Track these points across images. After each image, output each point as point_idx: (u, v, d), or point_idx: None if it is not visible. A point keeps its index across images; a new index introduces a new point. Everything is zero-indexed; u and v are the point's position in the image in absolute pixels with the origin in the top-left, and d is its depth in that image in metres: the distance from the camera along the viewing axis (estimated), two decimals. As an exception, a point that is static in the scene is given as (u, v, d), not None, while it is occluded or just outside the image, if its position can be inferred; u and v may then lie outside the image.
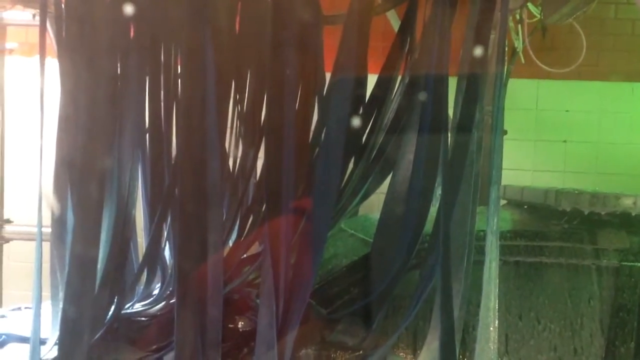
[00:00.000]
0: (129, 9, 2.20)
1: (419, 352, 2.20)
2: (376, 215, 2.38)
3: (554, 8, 3.24)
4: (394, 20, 3.58)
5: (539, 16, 3.55)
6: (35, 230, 2.09)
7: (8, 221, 4.15)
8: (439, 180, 2.28)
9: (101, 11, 2.24)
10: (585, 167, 4.38)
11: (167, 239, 2.48)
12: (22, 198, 4.12)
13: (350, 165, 2.50)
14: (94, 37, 2.18)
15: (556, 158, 4.42)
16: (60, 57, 2.26)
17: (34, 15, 3.47)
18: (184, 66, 2.19)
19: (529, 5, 3.39)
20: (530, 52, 3.73)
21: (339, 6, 2.82)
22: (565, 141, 4.41)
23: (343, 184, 2.44)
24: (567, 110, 4.42)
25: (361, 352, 2.16)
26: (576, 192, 2.38)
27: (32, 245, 2.13)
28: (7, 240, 4.18)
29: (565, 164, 4.41)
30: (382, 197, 2.40)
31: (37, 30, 3.73)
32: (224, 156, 2.43)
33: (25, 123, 4.17)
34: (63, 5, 2.25)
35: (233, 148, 2.61)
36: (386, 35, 3.07)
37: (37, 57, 3.48)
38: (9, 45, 3.97)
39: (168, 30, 2.29)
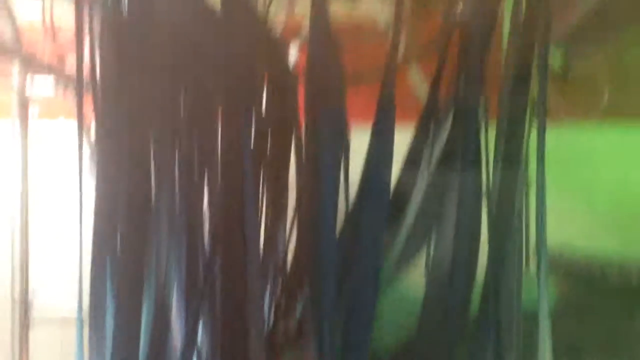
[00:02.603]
0: (159, 93, 2.20)
1: None
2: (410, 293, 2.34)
3: (581, 55, 3.24)
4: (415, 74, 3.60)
5: (561, 63, 3.55)
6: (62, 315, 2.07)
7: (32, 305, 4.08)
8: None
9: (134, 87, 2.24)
10: (611, 214, 4.31)
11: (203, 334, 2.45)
12: (47, 279, 4.09)
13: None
14: (131, 125, 2.18)
15: (582, 206, 4.35)
16: (95, 145, 2.25)
17: (56, 87, 3.50)
18: (221, 150, 2.19)
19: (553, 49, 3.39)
20: (554, 98, 3.71)
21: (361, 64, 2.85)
22: (590, 188, 4.35)
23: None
24: (591, 156, 4.36)
25: None
26: (622, 263, 2.33)
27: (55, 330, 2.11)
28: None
29: (592, 212, 4.35)
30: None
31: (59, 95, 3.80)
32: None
33: (49, 192, 4.16)
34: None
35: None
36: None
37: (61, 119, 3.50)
38: (32, 109, 3.98)
39: (204, 117, 2.28)
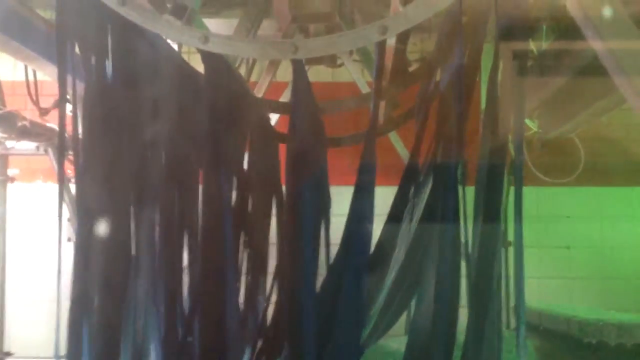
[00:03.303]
0: (140, 152, 2.21)
1: None
2: (392, 344, 2.34)
3: (552, 125, 3.33)
4: (394, 139, 3.67)
5: (535, 129, 3.64)
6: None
7: (8, 354, 4.02)
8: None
9: (117, 145, 2.24)
10: (590, 273, 4.36)
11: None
12: (23, 329, 4.03)
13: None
14: (109, 175, 2.17)
15: (561, 264, 4.41)
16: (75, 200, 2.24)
17: (37, 147, 3.50)
18: (201, 211, 2.19)
19: (527, 120, 3.47)
20: (529, 163, 3.79)
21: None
22: (568, 247, 4.42)
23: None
24: (568, 217, 4.44)
25: None
26: (601, 323, 2.35)
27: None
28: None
29: (570, 270, 4.40)
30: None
31: (39, 158, 3.80)
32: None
33: (26, 250, 4.13)
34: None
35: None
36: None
37: (39, 182, 3.46)
38: (10, 172, 3.97)
39: (185, 178, 2.30)
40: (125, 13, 1.71)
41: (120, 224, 2.20)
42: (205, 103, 2.20)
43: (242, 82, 2.43)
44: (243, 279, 2.63)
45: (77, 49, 2.08)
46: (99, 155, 2.18)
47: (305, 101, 2.25)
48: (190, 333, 2.17)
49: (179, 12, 1.78)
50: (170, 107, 2.27)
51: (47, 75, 2.46)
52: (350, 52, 3.35)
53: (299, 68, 2.09)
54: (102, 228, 2.21)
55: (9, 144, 3.58)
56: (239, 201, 2.41)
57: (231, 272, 2.22)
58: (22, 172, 4.17)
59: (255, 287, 2.64)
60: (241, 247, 2.53)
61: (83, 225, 2.20)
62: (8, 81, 3.89)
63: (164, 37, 1.87)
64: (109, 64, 2.08)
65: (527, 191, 4.32)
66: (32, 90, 3.41)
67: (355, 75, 3.63)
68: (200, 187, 2.29)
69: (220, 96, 2.19)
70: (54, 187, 4.05)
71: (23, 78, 3.44)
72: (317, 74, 2.59)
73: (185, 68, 2.35)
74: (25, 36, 2.22)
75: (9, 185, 3.95)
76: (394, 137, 3.58)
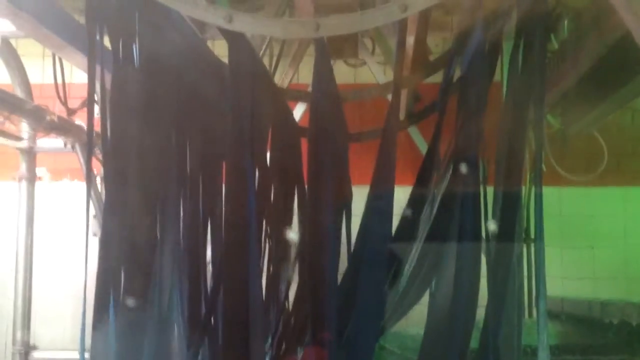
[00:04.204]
0: (170, 138, 2.25)
1: None
2: (412, 330, 2.34)
3: (574, 119, 3.32)
4: (414, 134, 3.68)
5: (559, 126, 3.63)
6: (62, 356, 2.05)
7: (34, 347, 4.09)
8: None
9: (143, 139, 2.29)
10: (614, 273, 4.32)
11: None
12: (49, 323, 4.09)
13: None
14: (136, 165, 2.22)
15: (585, 265, 4.37)
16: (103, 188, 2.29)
17: (65, 144, 3.57)
18: (225, 199, 2.22)
19: (549, 116, 3.48)
20: (552, 161, 3.78)
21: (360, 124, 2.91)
22: (592, 247, 4.38)
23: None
24: (591, 216, 4.41)
25: None
26: (622, 302, 2.34)
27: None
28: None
29: (594, 270, 4.36)
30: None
31: (65, 156, 3.87)
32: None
33: (53, 248, 4.20)
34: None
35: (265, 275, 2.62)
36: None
37: (65, 181, 3.54)
38: (38, 171, 4.05)
39: (209, 159, 2.34)
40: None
41: (146, 209, 2.24)
42: (229, 89, 2.23)
43: (265, 69, 2.46)
44: (265, 268, 2.65)
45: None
46: (123, 141, 2.22)
47: (326, 86, 2.27)
48: (214, 314, 2.20)
49: (204, -9, 1.82)
50: (194, 96, 2.31)
51: (75, 65, 2.51)
52: (373, 51, 3.40)
53: (321, 51, 2.11)
54: (128, 214, 2.25)
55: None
56: (260, 191, 2.44)
57: (254, 258, 2.25)
58: (49, 170, 4.26)
59: (276, 276, 2.66)
60: (263, 237, 2.56)
61: (110, 210, 2.25)
62: (37, 84, 4.00)
63: (188, 15, 1.90)
64: (136, 50, 2.13)
65: (550, 190, 4.36)
66: (61, 92, 3.50)
67: (378, 76, 3.65)
68: (224, 175, 2.32)
69: (243, 82, 2.22)
70: (81, 185, 4.14)
71: (51, 81, 3.55)
72: (339, 76, 2.64)
73: (209, 56, 2.39)
74: (56, 23, 2.27)
75: (37, 184, 4.03)
76: (415, 134, 3.59)
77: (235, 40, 2.08)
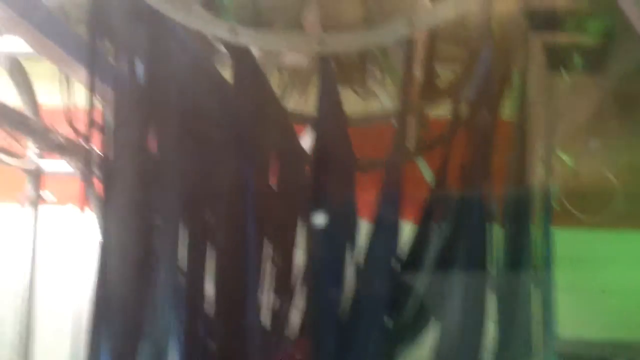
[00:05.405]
0: (168, 164, 2.20)
1: None
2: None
3: (586, 157, 3.27)
4: (422, 166, 3.61)
5: (571, 164, 3.57)
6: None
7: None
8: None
9: (140, 166, 2.24)
10: (626, 318, 4.20)
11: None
12: (50, 352, 4.00)
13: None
14: (132, 191, 2.17)
15: (596, 309, 4.26)
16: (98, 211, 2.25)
17: (70, 166, 3.54)
18: (225, 222, 2.17)
19: (561, 153, 3.42)
20: (564, 200, 3.71)
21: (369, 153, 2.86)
22: (603, 291, 4.27)
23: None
24: (604, 259, 4.31)
25: None
26: (634, 343, 2.26)
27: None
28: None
29: (606, 314, 4.24)
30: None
31: (71, 179, 3.84)
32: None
33: (56, 273, 4.15)
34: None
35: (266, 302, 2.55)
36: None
37: (71, 205, 3.51)
38: (43, 194, 4.03)
39: (208, 187, 2.28)
40: (154, 3, 1.74)
41: (144, 231, 2.20)
42: (232, 107, 2.21)
43: (271, 88, 2.43)
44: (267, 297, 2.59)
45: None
46: (124, 156, 2.19)
47: (331, 108, 2.24)
48: (211, 338, 2.14)
49: (209, 4, 1.81)
50: (196, 114, 2.28)
51: (80, 81, 2.50)
52: (382, 80, 3.36)
53: (326, 70, 2.08)
54: (126, 234, 2.21)
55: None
56: (261, 217, 2.38)
57: (252, 286, 2.19)
58: (55, 194, 4.23)
59: (278, 308, 2.59)
60: (265, 262, 2.50)
61: (107, 229, 2.20)
62: (49, 108, 3.99)
63: (193, 27, 1.89)
64: (139, 65, 2.11)
65: (560, 232, 4.27)
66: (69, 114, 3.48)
67: (386, 104, 3.60)
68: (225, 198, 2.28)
69: (247, 100, 2.20)
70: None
71: (60, 103, 3.54)
72: (347, 105, 2.62)
73: (214, 73, 2.37)
74: (63, 39, 2.27)
75: (41, 207, 4.01)
76: (423, 166, 3.53)
77: (240, 56, 2.06)
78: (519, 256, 2.23)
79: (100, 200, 2.24)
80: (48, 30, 2.17)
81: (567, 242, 4.31)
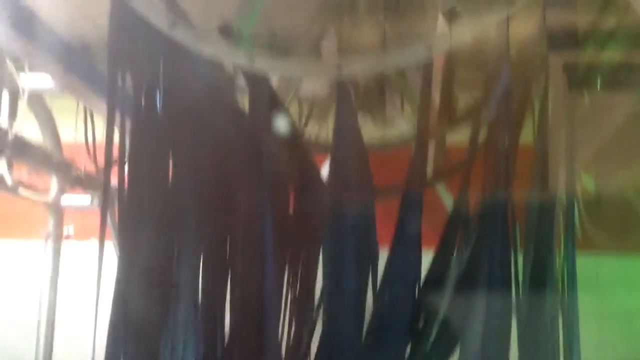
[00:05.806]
0: (187, 194, 2.20)
1: None
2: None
3: (609, 180, 3.23)
4: (442, 193, 3.58)
5: (594, 189, 3.53)
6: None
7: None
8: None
9: (158, 197, 2.24)
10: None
11: None
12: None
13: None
14: (150, 220, 2.16)
15: (622, 336, 4.17)
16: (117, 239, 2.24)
17: (92, 200, 3.57)
18: (243, 251, 2.15)
19: (584, 177, 3.38)
20: (588, 226, 3.66)
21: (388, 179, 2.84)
22: (631, 319, 4.18)
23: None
24: (630, 286, 4.22)
25: None
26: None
27: None
28: None
29: (633, 342, 4.15)
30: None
31: (92, 213, 3.86)
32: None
33: (78, 309, 4.14)
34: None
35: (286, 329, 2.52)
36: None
37: (93, 240, 3.51)
38: (66, 229, 4.05)
39: (227, 213, 2.27)
40: (172, 33, 1.75)
41: (164, 262, 2.19)
42: (250, 135, 2.20)
43: (288, 116, 2.43)
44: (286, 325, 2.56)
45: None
46: (142, 185, 2.19)
47: (349, 134, 2.22)
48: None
49: (227, 31, 1.81)
50: (215, 142, 2.28)
51: (101, 114, 2.52)
52: (401, 108, 3.36)
53: (343, 96, 2.07)
54: (145, 266, 2.20)
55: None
56: (280, 245, 2.36)
57: (271, 315, 2.16)
58: (76, 229, 4.25)
59: (298, 336, 2.56)
60: (285, 284, 2.48)
61: (126, 262, 2.19)
62: (68, 144, 4.04)
63: (212, 56, 1.89)
64: (158, 96, 2.12)
65: (585, 257, 4.19)
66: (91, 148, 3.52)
67: (405, 130, 3.59)
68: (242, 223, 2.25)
69: (264, 128, 2.19)
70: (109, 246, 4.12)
71: (82, 140, 3.58)
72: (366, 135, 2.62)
73: (232, 103, 2.38)
74: (88, 75, 2.29)
75: (64, 243, 4.02)
76: (443, 192, 3.50)
77: (257, 84, 2.06)
78: (542, 280, 2.19)
79: (119, 231, 2.24)
80: (72, 66, 2.19)
81: (590, 267, 4.24)
